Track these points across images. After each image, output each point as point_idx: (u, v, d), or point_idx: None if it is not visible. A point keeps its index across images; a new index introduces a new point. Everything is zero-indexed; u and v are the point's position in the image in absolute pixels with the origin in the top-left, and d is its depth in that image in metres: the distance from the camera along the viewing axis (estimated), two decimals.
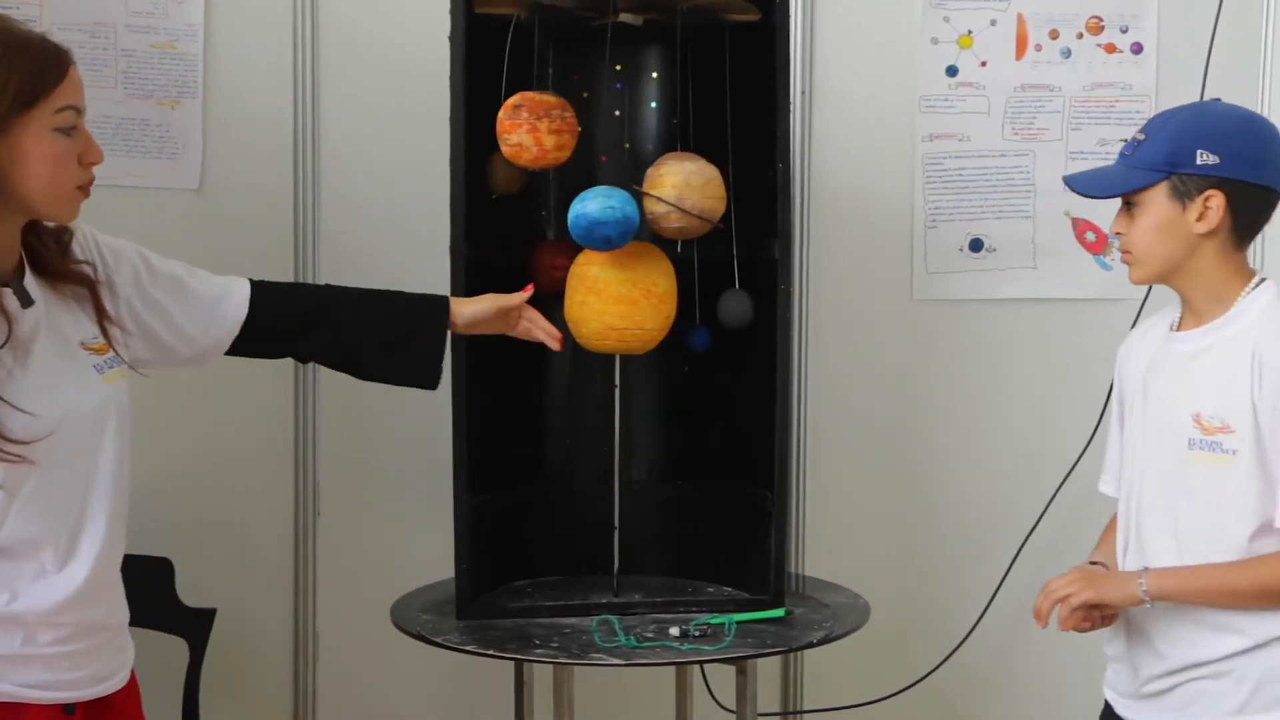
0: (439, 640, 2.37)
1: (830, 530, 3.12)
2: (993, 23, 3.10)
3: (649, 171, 2.44)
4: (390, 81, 2.90)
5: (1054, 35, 3.12)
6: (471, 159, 2.43)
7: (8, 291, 1.86)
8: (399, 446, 2.89)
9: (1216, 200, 2.05)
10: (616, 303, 2.43)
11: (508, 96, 2.43)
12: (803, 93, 3.04)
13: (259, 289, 2.21)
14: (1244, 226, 2.07)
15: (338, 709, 3.01)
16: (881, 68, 3.09)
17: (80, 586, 1.90)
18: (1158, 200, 2.08)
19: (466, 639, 2.36)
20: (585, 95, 2.64)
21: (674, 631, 2.37)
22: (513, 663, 2.59)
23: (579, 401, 2.72)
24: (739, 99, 2.51)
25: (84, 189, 1.90)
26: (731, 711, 2.63)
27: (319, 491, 2.96)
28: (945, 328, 3.12)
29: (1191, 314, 2.13)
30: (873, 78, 3.09)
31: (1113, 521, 2.25)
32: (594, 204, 2.35)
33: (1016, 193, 3.09)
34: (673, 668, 2.78)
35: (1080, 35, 3.12)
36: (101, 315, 1.97)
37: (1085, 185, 2.16)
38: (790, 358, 2.59)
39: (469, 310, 2.35)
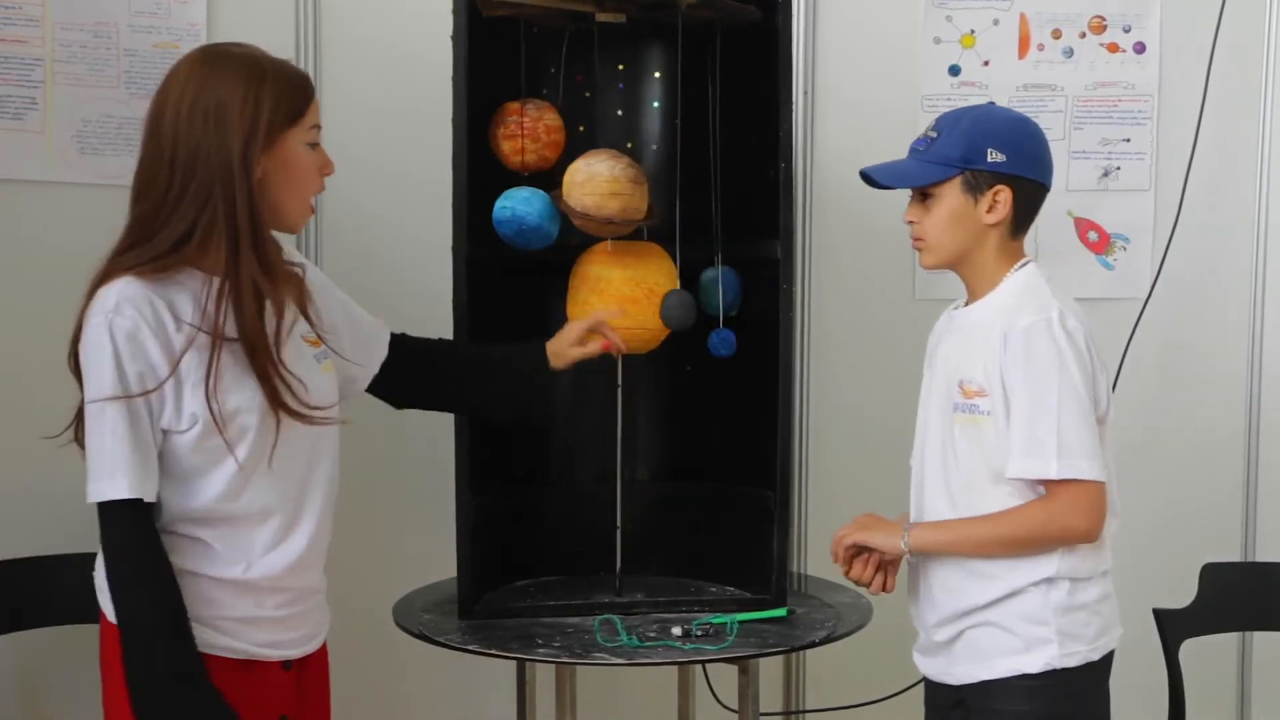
0: (441, 640, 2.37)
1: (832, 529, 3.12)
2: (995, 22, 3.10)
3: None
4: (392, 81, 2.90)
5: (1056, 35, 3.12)
6: (473, 158, 2.43)
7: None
8: (401, 446, 2.89)
9: (1005, 195, 2.23)
10: (619, 302, 2.43)
11: (511, 97, 2.45)
12: (805, 92, 3.04)
13: (395, 335, 2.38)
14: (1022, 218, 2.26)
15: (340, 709, 3.00)
16: (884, 67, 3.09)
17: (302, 553, 2.11)
18: (952, 193, 2.25)
19: (469, 638, 2.36)
20: (588, 95, 2.64)
21: (676, 631, 2.37)
22: (515, 662, 2.59)
23: (581, 401, 2.72)
24: (741, 99, 2.51)
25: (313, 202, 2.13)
26: (734, 711, 2.63)
27: None
28: None
29: (970, 295, 2.32)
30: (875, 77, 3.09)
31: None
32: (498, 203, 2.40)
33: None
34: (675, 667, 2.78)
35: (1083, 35, 3.12)
36: (306, 314, 2.16)
37: (884, 177, 2.33)
38: (792, 357, 2.59)
39: (573, 354, 2.44)
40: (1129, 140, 3.15)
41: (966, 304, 2.33)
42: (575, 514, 2.69)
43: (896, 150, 3.08)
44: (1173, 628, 2.70)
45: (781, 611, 2.48)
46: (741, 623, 2.41)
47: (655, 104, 2.68)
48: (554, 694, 2.57)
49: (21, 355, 2.73)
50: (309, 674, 2.21)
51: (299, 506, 2.12)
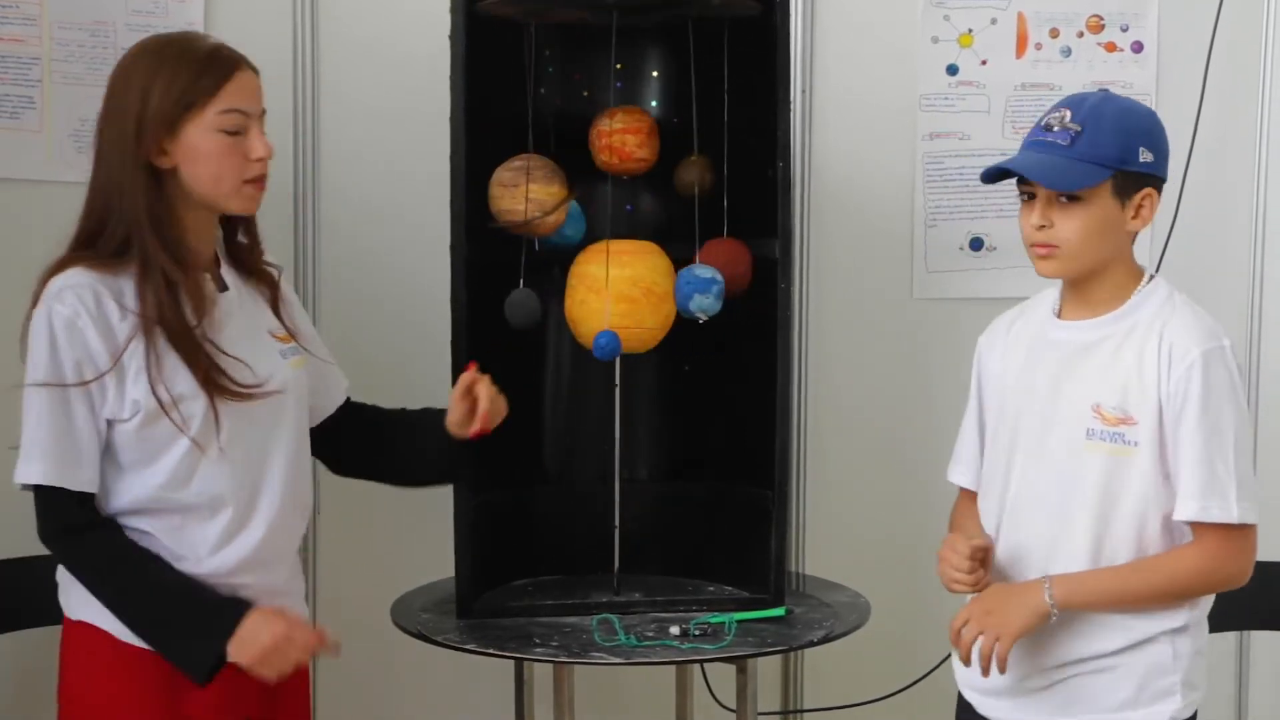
0: (439, 639, 2.37)
1: (831, 529, 3.12)
2: (993, 21, 3.10)
3: None
4: (390, 80, 2.90)
5: (1054, 34, 3.12)
6: (471, 158, 2.43)
7: (208, 276, 2.11)
8: None
9: (1152, 199, 2.04)
10: (616, 301, 2.44)
11: (510, 97, 2.45)
12: (803, 91, 3.04)
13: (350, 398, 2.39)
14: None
15: (338, 708, 3.00)
16: (882, 67, 3.09)
17: (256, 548, 2.10)
18: (1104, 198, 2.02)
19: (467, 638, 2.36)
20: (586, 95, 2.64)
21: (674, 630, 2.37)
22: (513, 662, 2.59)
23: (579, 400, 2.72)
24: (740, 98, 2.51)
25: (254, 182, 2.10)
26: (732, 710, 2.63)
27: (319, 490, 2.95)
28: (945, 326, 3.12)
29: (1081, 305, 2.10)
30: (873, 77, 3.09)
31: (961, 507, 2.28)
32: None
33: (1017, 191, 3.09)
34: (673, 667, 2.78)
35: (1081, 34, 3.12)
36: (278, 313, 2.21)
37: (1042, 176, 2.03)
38: (790, 356, 2.59)
39: (458, 433, 2.37)
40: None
41: (1061, 312, 2.13)
42: (573, 513, 2.69)
43: (895, 149, 3.11)
44: None
45: (779, 611, 2.48)
46: (739, 622, 2.41)
47: (653, 103, 2.67)
48: (551, 693, 2.57)
49: (18, 354, 2.72)
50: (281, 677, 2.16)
51: (253, 499, 2.11)
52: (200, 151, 2.05)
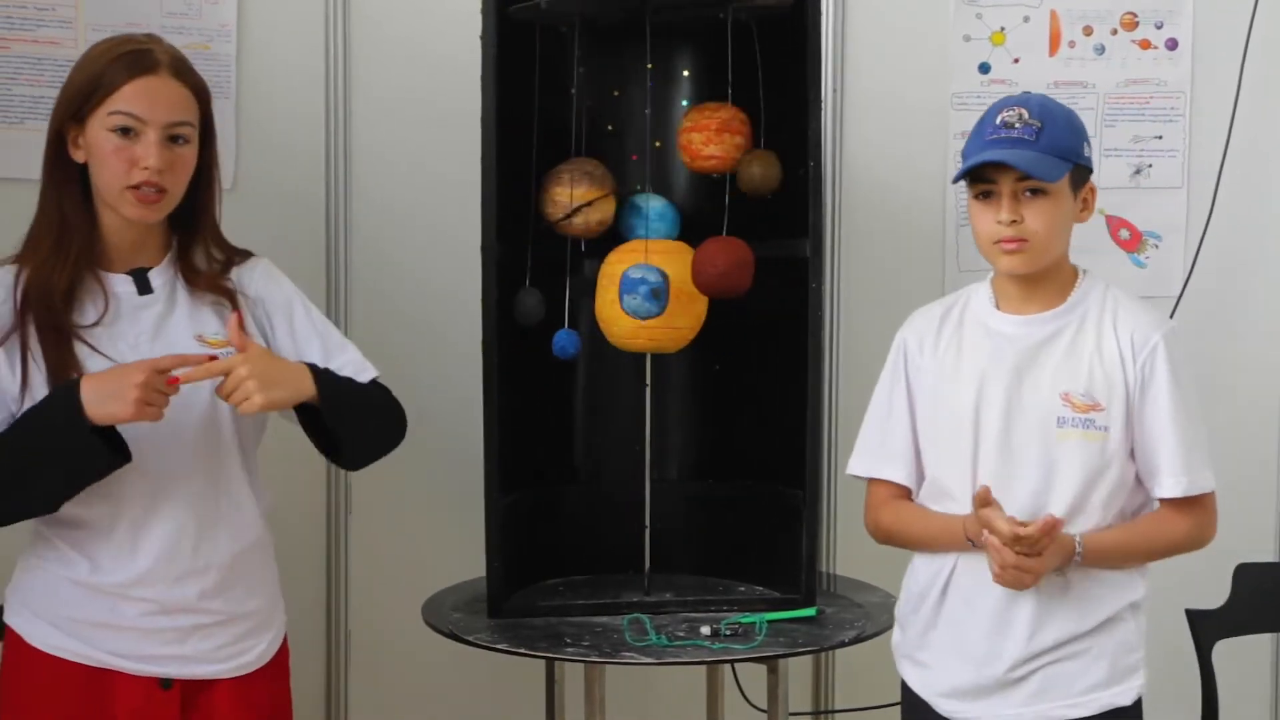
0: (470, 639, 2.37)
1: (862, 529, 3.09)
2: (1026, 19, 3.08)
3: None
4: (422, 81, 2.91)
5: (1087, 32, 3.10)
6: (502, 159, 2.43)
7: (120, 278, 2.07)
8: (430, 445, 2.89)
9: (1094, 193, 2.16)
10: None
11: (540, 97, 2.46)
12: (834, 90, 3.03)
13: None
14: None
15: (369, 707, 3.02)
16: (914, 65, 3.08)
17: (153, 564, 2.01)
18: (1064, 190, 2.12)
19: (498, 638, 2.36)
20: (616, 94, 2.64)
21: (705, 630, 2.37)
22: (544, 661, 2.59)
23: (610, 400, 2.72)
24: (771, 97, 2.50)
25: (136, 191, 2.02)
26: (763, 711, 2.63)
27: (350, 490, 2.97)
28: None
29: (1026, 299, 2.17)
30: (905, 75, 3.08)
31: (906, 505, 2.28)
32: None
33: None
34: (704, 667, 2.78)
35: (1114, 31, 3.10)
36: (240, 321, 2.07)
37: (1030, 167, 2.07)
38: (822, 355, 2.58)
39: None
40: (1161, 138, 3.13)
41: (1000, 306, 2.19)
42: (604, 513, 2.69)
43: (927, 149, 3.09)
44: (1206, 629, 2.68)
45: (810, 611, 2.47)
46: (770, 622, 2.40)
47: (684, 103, 2.67)
48: (583, 693, 2.58)
49: None
50: (217, 703, 2.09)
51: (150, 512, 2.02)
52: (93, 148, 2.04)
